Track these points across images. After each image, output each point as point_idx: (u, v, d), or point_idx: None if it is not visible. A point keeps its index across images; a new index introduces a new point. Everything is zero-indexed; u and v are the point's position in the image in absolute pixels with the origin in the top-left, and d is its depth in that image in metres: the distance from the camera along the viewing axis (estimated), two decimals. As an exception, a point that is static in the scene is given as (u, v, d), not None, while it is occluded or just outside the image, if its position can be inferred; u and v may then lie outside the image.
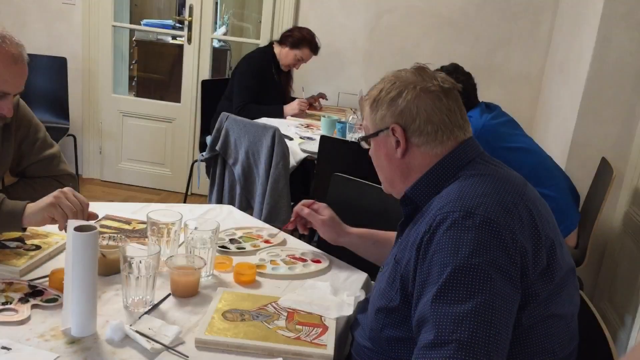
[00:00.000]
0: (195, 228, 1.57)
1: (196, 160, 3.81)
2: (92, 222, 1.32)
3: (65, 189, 1.41)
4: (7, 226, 1.41)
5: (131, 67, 5.23)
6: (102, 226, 1.74)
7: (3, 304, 1.28)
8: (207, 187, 3.25)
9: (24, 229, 1.45)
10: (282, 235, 1.84)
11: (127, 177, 4.54)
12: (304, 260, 1.68)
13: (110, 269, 1.45)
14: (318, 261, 1.69)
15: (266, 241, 1.78)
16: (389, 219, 1.71)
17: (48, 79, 4.04)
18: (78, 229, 1.19)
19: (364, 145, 1.37)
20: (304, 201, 1.72)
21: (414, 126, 1.24)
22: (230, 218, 1.95)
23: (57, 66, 4.05)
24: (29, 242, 1.55)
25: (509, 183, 1.19)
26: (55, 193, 1.39)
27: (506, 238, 1.07)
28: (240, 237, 1.79)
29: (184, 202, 3.94)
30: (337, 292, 1.50)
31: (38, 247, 1.53)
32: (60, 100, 4.07)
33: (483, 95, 2.84)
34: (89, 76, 4.36)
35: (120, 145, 4.50)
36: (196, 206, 2.02)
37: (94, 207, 1.84)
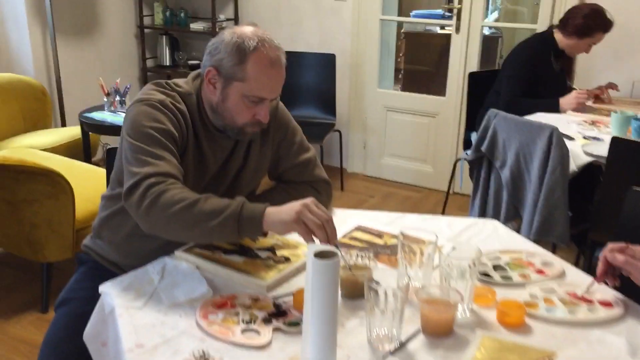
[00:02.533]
0: (453, 248, 1.34)
1: (459, 159, 3.56)
2: (334, 247, 1.17)
3: (308, 200, 1.30)
4: (248, 231, 1.35)
5: (398, 60, 5.19)
6: (351, 238, 1.62)
7: (247, 322, 1.22)
8: (470, 188, 2.98)
9: (265, 234, 1.38)
10: (559, 264, 1.51)
11: (388, 173, 4.50)
12: (589, 302, 1.33)
13: (357, 291, 1.31)
14: (608, 304, 1.32)
15: (539, 271, 1.47)
16: None
17: (318, 76, 4.17)
18: (319, 255, 1.05)
19: None
20: (612, 245, 1.34)
21: None
22: (494, 236, 1.68)
23: (327, 63, 4.15)
24: (279, 252, 1.49)
25: None
26: (298, 207, 1.28)
27: None
28: (507, 264, 1.50)
29: (445, 201, 3.72)
30: (636, 352, 1.14)
31: (287, 260, 1.46)
32: (327, 96, 4.18)
33: None
34: (357, 71, 4.40)
35: (383, 140, 4.47)
36: (456, 219, 1.78)
37: (347, 215, 1.75)
